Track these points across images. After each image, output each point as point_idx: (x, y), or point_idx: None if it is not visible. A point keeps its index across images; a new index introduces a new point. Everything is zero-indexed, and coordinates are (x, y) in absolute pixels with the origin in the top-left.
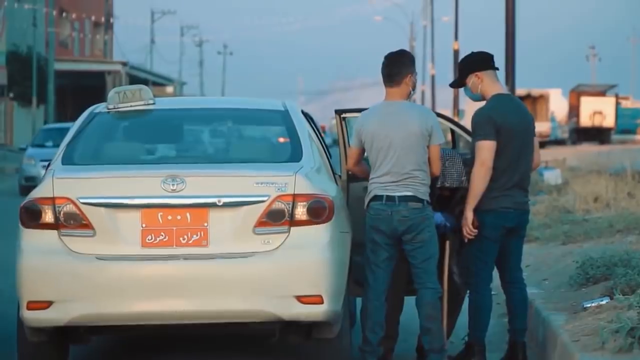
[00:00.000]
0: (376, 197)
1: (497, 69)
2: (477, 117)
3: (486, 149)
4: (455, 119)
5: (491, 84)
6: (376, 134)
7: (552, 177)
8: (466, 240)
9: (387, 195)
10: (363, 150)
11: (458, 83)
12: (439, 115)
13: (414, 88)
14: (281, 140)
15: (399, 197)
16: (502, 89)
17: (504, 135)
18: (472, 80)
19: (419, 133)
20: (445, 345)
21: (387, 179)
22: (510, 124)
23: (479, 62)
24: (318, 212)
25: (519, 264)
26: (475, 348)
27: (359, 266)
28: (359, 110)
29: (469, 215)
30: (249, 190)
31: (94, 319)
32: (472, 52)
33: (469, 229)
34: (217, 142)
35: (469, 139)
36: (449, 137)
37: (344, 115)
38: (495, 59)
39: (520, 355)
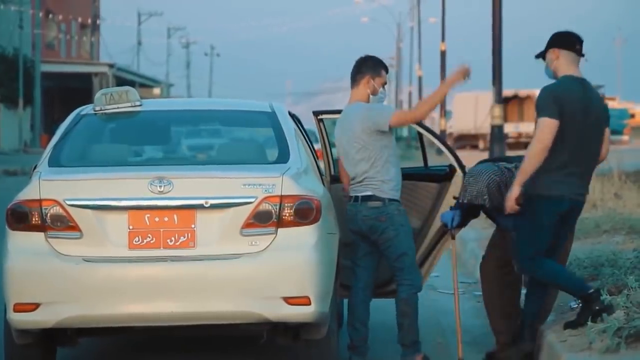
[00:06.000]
0: (349, 198)
1: (582, 54)
2: (543, 94)
3: (546, 127)
4: (442, 120)
5: (565, 64)
6: (336, 138)
7: None
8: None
9: (354, 196)
10: None
11: (541, 54)
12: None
13: (373, 92)
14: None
15: (361, 197)
16: (577, 73)
17: (566, 118)
18: (549, 55)
19: (361, 132)
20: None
21: (354, 180)
22: (574, 107)
23: (560, 39)
24: (305, 213)
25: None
26: (593, 295)
27: (346, 269)
28: (336, 112)
29: (516, 189)
30: (236, 191)
31: (81, 320)
32: (564, 30)
33: (511, 204)
34: (204, 144)
35: (442, 148)
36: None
37: (320, 116)
38: (583, 45)
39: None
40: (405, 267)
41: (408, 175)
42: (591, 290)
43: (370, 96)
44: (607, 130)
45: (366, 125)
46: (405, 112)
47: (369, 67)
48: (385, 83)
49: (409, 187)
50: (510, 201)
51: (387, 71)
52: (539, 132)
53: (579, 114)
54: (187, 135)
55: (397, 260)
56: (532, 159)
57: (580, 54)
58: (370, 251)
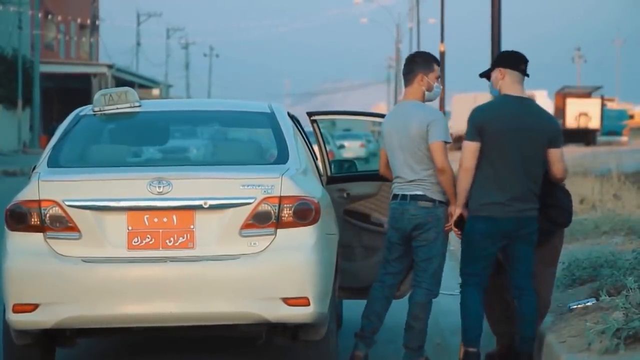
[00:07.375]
0: (394, 197)
1: (527, 74)
2: (469, 116)
3: (465, 150)
4: None
5: (510, 84)
6: (386, 135)
7: None
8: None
9: (401, 195)
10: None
11: (485, 74)
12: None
13: (428, 88)
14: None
15: (410, 195)
16: (519, 92)
17: (489, 138)
18: (495, 74)
19: (417, 134)
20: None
21: (401, 179)
22: (500, 126)
23: (506, 59)
24: (304, 214)
25: (528, 270)
26: (469, 352)
27: (344, 272)
28: (329, 113)
29: (457, 211)
30: (235, 192)
31: (80, 321)
32: (509, 50)
33: (451, 227)
34: (203, 144)
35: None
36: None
37: (313, 117)
38: (527, 65)
39: None
40: (429, 270)
41: (375, 175)
42: (472, 349)
43: (426, 92)
44: (557, 151)
45: (424, 131)
46: (445, 155)
47: (419, 64)
48: (439, 77)
49: (377, 187)
50: (450, 224)
51: (438, 64)
52: (461, 155)
53: (506, 132)
54: (186, 136)
55: (426, 261)
56: (459, 183)
57: (525, 73)
58: (404, 254)
